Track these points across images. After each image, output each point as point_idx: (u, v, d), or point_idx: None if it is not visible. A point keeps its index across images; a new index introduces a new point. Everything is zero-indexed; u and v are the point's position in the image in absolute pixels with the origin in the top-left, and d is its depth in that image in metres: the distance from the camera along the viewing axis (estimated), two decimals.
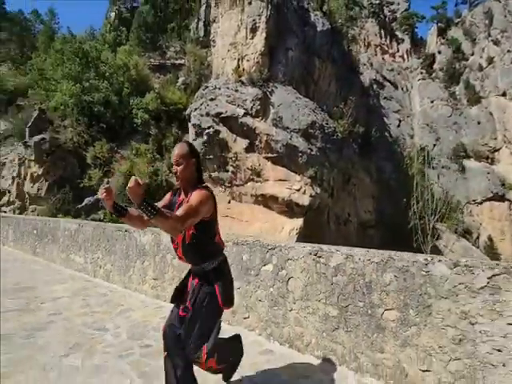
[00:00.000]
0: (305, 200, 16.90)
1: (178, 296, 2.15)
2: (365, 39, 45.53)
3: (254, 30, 17.97)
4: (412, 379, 2.12)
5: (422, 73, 39.84)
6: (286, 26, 19.13)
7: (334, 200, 19.07)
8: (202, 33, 30.45)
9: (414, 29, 47.25)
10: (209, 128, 17.57)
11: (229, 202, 18.09)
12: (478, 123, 34.71)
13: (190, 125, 18.32)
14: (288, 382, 2.12)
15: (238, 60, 19.02)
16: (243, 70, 18.76)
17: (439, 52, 41.07)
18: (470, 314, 1.94)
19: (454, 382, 1.91)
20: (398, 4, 48.83)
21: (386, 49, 44.26)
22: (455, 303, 2.00)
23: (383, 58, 43.50)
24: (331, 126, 19.36)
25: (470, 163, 33.25)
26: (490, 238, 29.86)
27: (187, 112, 18.68)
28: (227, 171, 17.96)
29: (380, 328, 2.22)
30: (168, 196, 2.11)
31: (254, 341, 2.75)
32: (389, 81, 39.68)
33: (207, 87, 18.86)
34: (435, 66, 40.00)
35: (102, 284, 4.55)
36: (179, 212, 1.74)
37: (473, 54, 38.41)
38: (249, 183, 17.83)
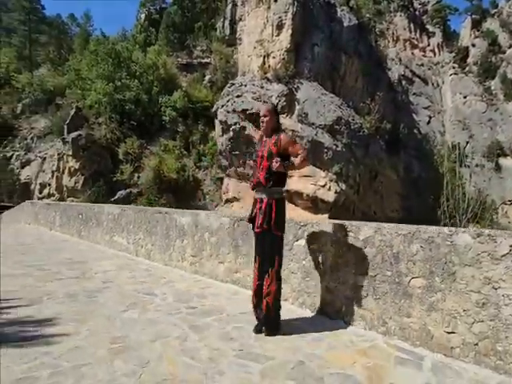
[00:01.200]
0: (330, 196, 16.90)
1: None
2: (393, 34, 44.22)
3: (279, 26, 18.12)
4: (437, 340, 2.29)
5: (454, 67, 38.27)
6: (312, 21, 19.13)
7: (359, 197, 18.90)
8: (228, 31, 30.95)
9: (446, 21, 45.38)
10: (235, 124, 17.92)
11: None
12: None
13: (216, 121, 18.77)
14: (318, 337, 2.40)
15: (264, 57, 19.25)
16: (269, 66, 18.96)
17: (473, 45, 39.25)
18: (493, 279, 2.08)
19: (477, 342, 2.07)
20: None
21: (416, 43, 42.79)
22: (479, 270, 2.14)
23: (413, 53, 42.12)
24: (357, 122, 19.17)
25: (506, 161, 31.62)
26: None
27: (214, 109, 19.14)
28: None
29: (407, 295, 2.41)
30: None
31: (287, 309, 3.02)
32: (418, 76, 38.44)
33: (233, 84, 19.23)
34: (469, 60, 38.28)
35: (143, 262, 5.00)
36: (300, 151, 2.65)
37: (510, 47, 36.41)
38: None
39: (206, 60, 30.13)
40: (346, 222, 2.77)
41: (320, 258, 3.01)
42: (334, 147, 17.56)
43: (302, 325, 2.68)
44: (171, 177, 19.35)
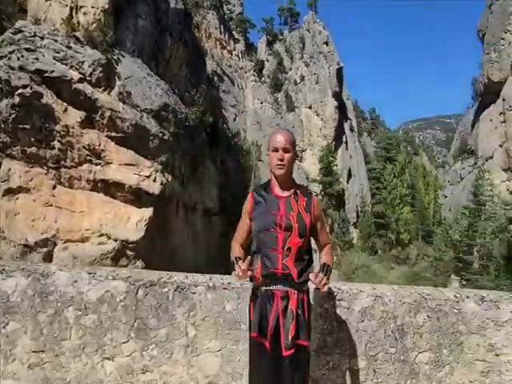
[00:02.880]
0: (155, 188, 15.45)
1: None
2: (206, 30, 45.87)
3: None
4: None
5: (254, 75, 44.57)
6: None
7: (183, 188, 18.47)
8: None
9: (247, 33, 51.73)
10: (24, 87, 13.04)
11: (53, 188, 14.09)
12: (293, 127, 42.42)
13: None
14: None
15: (72, 9, 15.03)
16: (78, 23, 14.99)
17: (267, 60, 47.06)
18: (496, 346, 2.10)
19: None
20: (234, 6, 52.08)
21: (225, 45, 46.41)
22: (483, 337, 2.11)
23: (222, 53, 45.53)
24: (184, 112, 18.52)
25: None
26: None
27: None
28: (52, 148, 13.94)
29: (414, 373, 2.06)
30: (250, 204, 1.66)
31: None
32: (227, 76, 42.03)
33: (21, 31, 13.89)
34: (264, 72, 45.64)
35: None
36: (328, 241, 1.74)
37: (291, 70, 46.31)
38: (84, 165, 14.52)
39: None
40: (334, 289, 2.12)
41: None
42: (161, 135, 16.17)
43: None
44: None
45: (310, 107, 42.75)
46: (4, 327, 2.29)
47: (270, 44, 49.24)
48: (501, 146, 20.24)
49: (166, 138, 16.32)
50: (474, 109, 26.79)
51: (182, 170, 17.88)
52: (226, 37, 47.77)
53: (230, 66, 45.03)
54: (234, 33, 49.13)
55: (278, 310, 1.49)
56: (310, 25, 48.44)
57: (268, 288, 1.54)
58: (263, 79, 45.10)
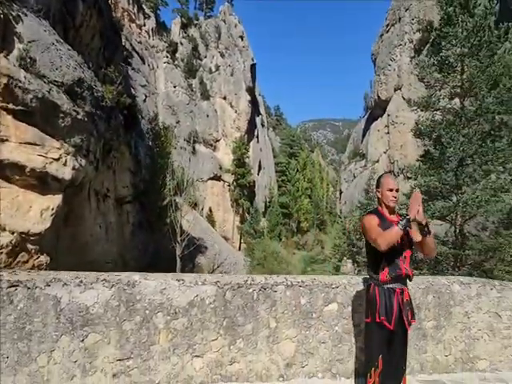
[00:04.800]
0: (66, 173, 13.68)
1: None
2: None
3: None
4: (441, 364, 3.04)
5: (167, 57, 42.14)
6: None
7: (95, 174, 16.80)
8: None
9: (158, 10, 48.18)
10: None
11: None
12: (207, 116, 42.21)
13: None
14: None
15: None
16: None
17: (181, 44, 45.08)
18: (468, 312, 3.14)
19: (460, 356, 3.05)
20: None
21: (134, 18, 42.36)
22: (462, 307, 3.13)
23: (130, 27, 41.46)
24: (100, 90, 16.67)
25: (200, 148, 40.06)
26: (210, 209, 38.04)
27: None
28: None
29: (424, 336, 2.95)
30: (377, 220, 2.15)
31: None
32: (137, 53, 38.67)
33: None
34: (178, 55, 43.63)
35: None
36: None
37: (206, 57, 45.55)
38: None
39: None
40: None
41: (355, 320, 2.79)
42: (75, 114, 14.31)
43: None
44: None
45: (225, 98, 43.22)
46: (82, 340, 2.24)
47: (184, 27, 47.22)
48: (385, 152, 24.80)
49: (80, 117, 14.49)
50: (365, 119, 31.75)
51: (97, 153, 16.22)
52: (135, 9, 43.67)
53: (140, 43, 41.51)
54: (144, 7, 45.17)
55: (397, 301, 2.11)
56: (226, 16, 48.46)
57: (385, 285, 2.15)
58: (177, 62, 43.20)
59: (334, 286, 2.75)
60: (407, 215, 2.02)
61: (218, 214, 38.00)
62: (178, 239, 20.44)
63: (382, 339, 2.10)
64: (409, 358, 2.71)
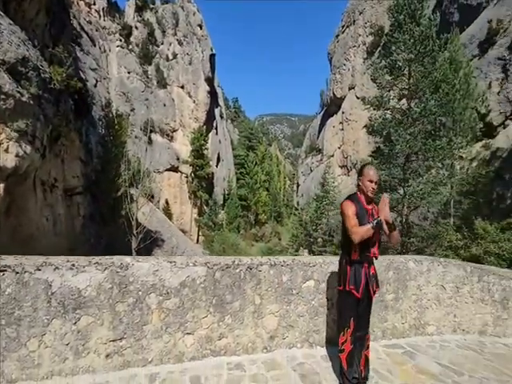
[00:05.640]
0: (8, 160, 12.61)
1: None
2: None
3: None
4: (398, 330, 3.48)
5: (120, 40, 39.67)
6: None
7: (42, 162, 15.62)
8: None
9: None
10: None
11: None
12: (164, 105, 40.71)
13: None
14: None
15: None
16: None
17: (136, 28, 42.71)
18: (420, 285, 3.63)
19: (413, 323, 3.54)
20: None
21: None
22: (415, 281, 3.60)
23: (79, 4, 38.26)
24: (47, 71, 15.38)
25: (157, 137, 38.61)
26: (166, 201, 37.02)
27: None
28: None
29: (385, 307, 3.36)
30: (354, 208, 2.43)
31: (303, 354, 2.84)
32: (87, 33, 35.86)
33: None
34: (132, 40, 41.30)
35: None
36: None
37: (163, 44, 43.69)
38: None
39: None
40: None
41: (328, 295, 3.06)
42: (18, 95, 13.17)
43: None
44: None
45: (183, 87, 42.01)
46: (75, 323, 2.26)
47: (139, 10, 44.70)
48: (339, 147, 26.11)
49: (24, 99, 13.33)
50: (321, 115, 32.97)
51: (45, 140, 15.05)
52: None
53: (90, 23, 38.57)
54: None
55: (364, 274, 2.44)
56: (184, 3, 46.80)
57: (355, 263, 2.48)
58: (131, 47, 40.91)
59: (311, 265, 3.03)
60: (379, 217, 2.37)
61: (176, 206, 37.21)
62: (134, 232, 19.74)
63: (352, 304, 2.42)
64: (373, 326, 3.12)
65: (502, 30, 24.15)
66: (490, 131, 19.06)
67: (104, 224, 22.07)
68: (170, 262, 2.54)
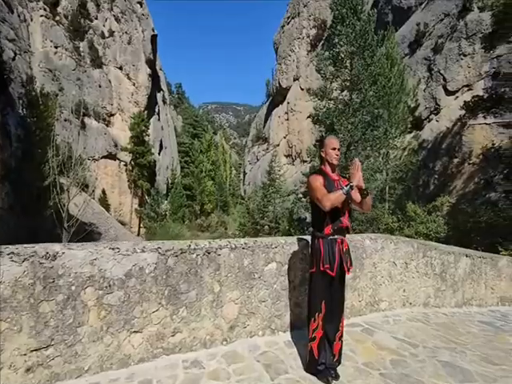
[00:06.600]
0: None
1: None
2: None
3: None
4: (356, 309, 3.46)
5: (45, 9, 34.73)
6: None
7: None
8: None
9: None
10: None
11: None
12: (100, 86, 37.10)
13: None
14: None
15: None
16: None
17: None
18: (375, 262, 3.65)
19: (369, 300, 3.57)
20: None
21: None
22: (371, 259, 3.61)
23: None
24: None
25: (91, 122, 35.09)
26: (103, 191, 34.13)
27: None
28: None
29: (345, 286, 3.32)
30: (321, 180, 2.31)
31: (266, 342, 2.62)
32: None
33: None
34: (60, 10, 36.49)
35: None
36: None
37: (97, 19, 39.49)
38: None
39: None
40: (306, 237, 2.99)
41: (291, 277, 2.85)
42: None
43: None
44: None
45: (121, 68, 38.73)
46: None
47: None
48: (285, 137, 26.54)
49: None
50: (267, 105, 33.10)
51: None
52: None
53: None
54: None
55: (338, 250, 2.30)
56: None
57: (328, 237, 2.31)
58: (58, 18, 36.25)
59: (273, 246, 2.82)
60: (351, 182, 2.22)
61: (114, 196, 34.63)
62: (65, 225, 17.83)
63: (326, 286, 2.28)
64: None
65: (428, 33, 26.56)
66: (418, 124, 20.97)
67: (26, 216, 19.54)
68: (113, 249, 2.11)
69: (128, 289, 2.14)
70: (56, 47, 34.76)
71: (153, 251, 2.24)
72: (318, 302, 2.29)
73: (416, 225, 12.52)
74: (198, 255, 2.42)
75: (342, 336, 2.40)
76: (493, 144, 17.38)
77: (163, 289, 2.27)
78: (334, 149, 2.41)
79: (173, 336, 2.34)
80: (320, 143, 2.49)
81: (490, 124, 18.13)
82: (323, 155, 2.43)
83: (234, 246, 2.60)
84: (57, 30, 35.40)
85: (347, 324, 3.27)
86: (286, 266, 2.90)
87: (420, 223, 12.75)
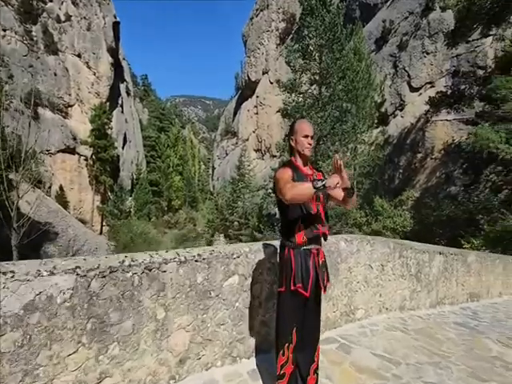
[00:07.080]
0: None
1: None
2: None
3: None
4: (330, 321, 3.06)
5: None
6: None
7: None
8: None
9: None
10: None
11: None
12: (55, 75, 34.28)
13: None
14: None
15: None
16: None
17: None
18: (350, 267, 3.27)
19: (344, 310, 3.18)
20: None
21: None
22: (346, 263, 3.22)
23: None
24: None
25: (45, 113, 32.35)
26: (61, 188, 31.75)
27: None
28: None
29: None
30: (290, 173, 1.82)
31: (224, 375, 2.11)
32: None
33: None
34: None
35: None
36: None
37: (52, 1, 36.28)
38: None
39: None
40: (274, 242, 2.52)
41: (256, 292, 2.35)
42: None
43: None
44: None
45: (79, 56, 36.05)
46: None
47: None
48: (254, 132, 26.07)
49: None
50: (236, 99, 32.41)
51: None
52: None
53: None
54: None
55: (313, 263, 1.84)
56: None
57: (302, 247, 1.84)
58: None
59: (235, 256, 2.32)
60: (325, 178, 1.71)
61: (72, 193, 32.43)
62: (14, 225, 16.22)
63: (297, 308, 1.83)
64: None
65: (393, 30, 27.16)
66: (384, 119, 21.37)
67: None
68: (4, 274, 1.50)
69: (29, 328, 1.55)
70: (4, 30, 31.58)
71: (68, 273, 1.65)
72: (287, 329, 1.83)
73: (383, 219, 12.61)
74: (134, 274, 1.86)
75: (317, 368, 1.96)
76: (453, 140, 18.06)
77: (84, 322, 1.70)
78: (307, 136, 1.90)
79: (99, 383, 1.77)
80: (290, 128, 2.00)
81: (450, 120, 18.83)
82: (293, 144, 1.94)
83: (183, 259, 2.07)
84: (5, 12, 32.13)
85: (321, 340, 2.87)
86: (250, 279, 2.42)
87: (387, 217, 12.87)
